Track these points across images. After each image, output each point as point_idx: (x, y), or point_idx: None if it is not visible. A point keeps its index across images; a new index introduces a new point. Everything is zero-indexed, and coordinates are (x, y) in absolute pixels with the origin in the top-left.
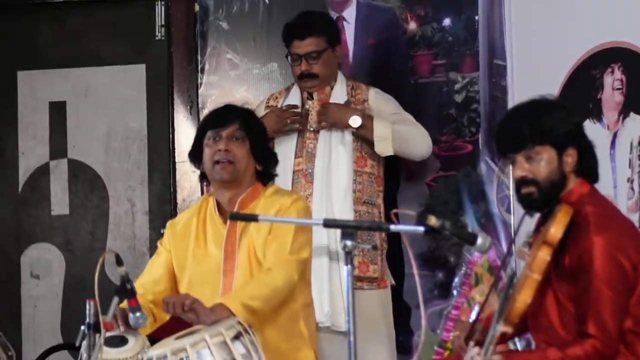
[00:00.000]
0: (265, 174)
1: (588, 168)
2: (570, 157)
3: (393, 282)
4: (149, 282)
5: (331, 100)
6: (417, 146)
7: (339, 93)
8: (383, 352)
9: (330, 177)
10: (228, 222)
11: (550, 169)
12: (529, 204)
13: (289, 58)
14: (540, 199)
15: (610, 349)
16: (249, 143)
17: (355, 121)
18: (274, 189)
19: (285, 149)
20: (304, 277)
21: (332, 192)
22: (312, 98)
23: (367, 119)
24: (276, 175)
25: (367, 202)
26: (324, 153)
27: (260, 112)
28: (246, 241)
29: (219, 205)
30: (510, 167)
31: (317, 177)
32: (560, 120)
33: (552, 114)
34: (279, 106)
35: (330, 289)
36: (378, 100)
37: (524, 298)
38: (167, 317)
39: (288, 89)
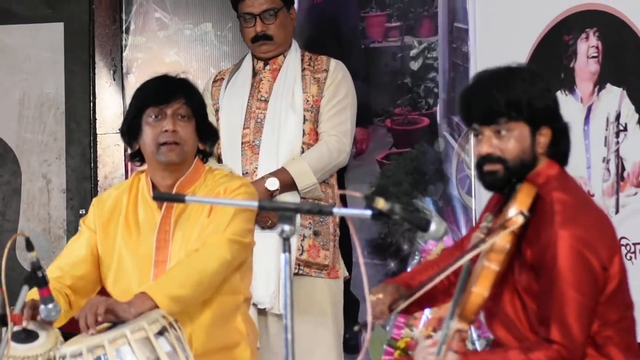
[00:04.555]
0: (206, 152)
1: (560, 151)
2: (544, 137)
3: (347, 274)
4: (68, 264)
5: (283, 72)
6: (332, 169)
7: (293, 63)
8: (328, 349)
9: (278, 150)
10: (163, 206)
11: (521, 147)
12: (491, 183)
13: (241, 20)
14: (504, 178)
15: (575, 356)
16: (195, 121)
17: (273, 183)
18: (223, 173)
19: (232, 119)
20: (246, 265)
21: (279, 167)
22: (265, 67)
23: (279, 172)
24: (211, 154)
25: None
26: (273, 123)
27: (208, 92)
28: (182, 229)
29: (154, 187)
30: (474, 138)
31: (264, 149)
32: (539, 94)
33: (531, 85)
34: (225, 81)
35: (278, 269)
36: (338, 73)
37: (480, 291)
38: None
39: (237, 65)
